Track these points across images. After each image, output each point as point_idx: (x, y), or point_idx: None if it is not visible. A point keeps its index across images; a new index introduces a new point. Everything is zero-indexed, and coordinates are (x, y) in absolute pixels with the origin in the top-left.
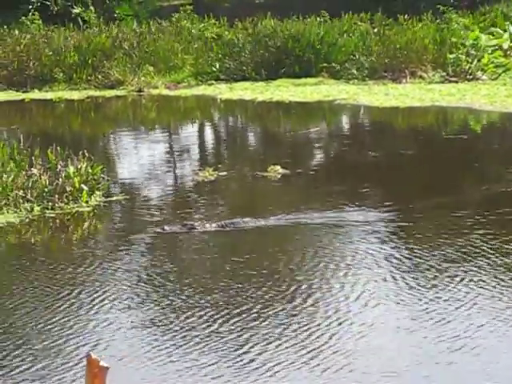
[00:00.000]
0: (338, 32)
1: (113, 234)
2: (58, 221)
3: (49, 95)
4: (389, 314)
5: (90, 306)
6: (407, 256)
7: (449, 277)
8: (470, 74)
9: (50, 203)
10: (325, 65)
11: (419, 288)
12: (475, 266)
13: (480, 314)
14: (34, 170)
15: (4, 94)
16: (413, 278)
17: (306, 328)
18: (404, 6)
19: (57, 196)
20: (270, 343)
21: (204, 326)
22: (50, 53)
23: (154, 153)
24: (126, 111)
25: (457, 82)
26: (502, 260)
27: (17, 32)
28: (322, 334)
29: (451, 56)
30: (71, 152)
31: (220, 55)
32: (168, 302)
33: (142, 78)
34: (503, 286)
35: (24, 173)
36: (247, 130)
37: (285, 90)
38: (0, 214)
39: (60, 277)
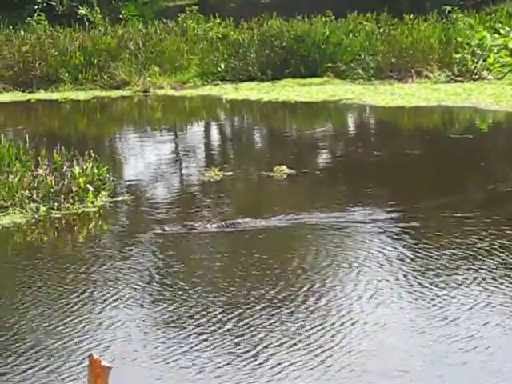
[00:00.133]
0: (343, 32)
1: (118, 235)
2: (63, 221)
3: (54, 95)
4: (402, 313)
5: (94, 305)
6: (417, 255)
7: (460, 276)
8: (476, 74)
9: (56, 203)
10: (330, 65)
11: (432, 287)
12: (486, 265)
13: (493, 313)
14: (40, 171)
15: (10, 95)
16: (425, 277)
17: (319, 328)
18: (410, 6)
19: (63, 196)
20: (283, 344)
21: (207, 325)
22: (56, 53)
23: (159, 153)
24: (132, 111)
25: (462, 81)
26: None
27: (22, 32)
28: (335, 334)
29: (457, 56)
30: (77, 152)
31: (226, 55)
32: (172, 302)
33: (148, 79)
34: None
35: (30, 173)
36: (253, 130)
37: (290, 90)
38: (6, 215)
39: (65, 277)
